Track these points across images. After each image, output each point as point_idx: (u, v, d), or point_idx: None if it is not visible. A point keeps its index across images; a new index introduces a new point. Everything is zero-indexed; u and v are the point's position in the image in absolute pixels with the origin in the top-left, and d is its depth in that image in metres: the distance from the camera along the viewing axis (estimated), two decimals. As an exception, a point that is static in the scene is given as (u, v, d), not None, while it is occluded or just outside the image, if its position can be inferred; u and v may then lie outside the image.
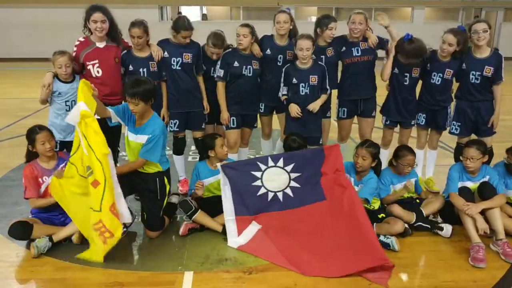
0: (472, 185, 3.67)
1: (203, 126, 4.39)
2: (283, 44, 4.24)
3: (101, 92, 3.87)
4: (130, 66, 4.03)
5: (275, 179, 3.59)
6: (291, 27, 4.20)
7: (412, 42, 4.04)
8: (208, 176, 3.79)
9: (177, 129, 4.29)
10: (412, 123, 4.45)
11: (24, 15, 16.98)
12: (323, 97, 4.12)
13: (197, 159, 4.54)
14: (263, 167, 3.59)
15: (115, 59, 3.97)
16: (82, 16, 3.88)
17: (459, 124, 4.21)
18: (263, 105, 4.42)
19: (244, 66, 4.14)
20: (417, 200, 3.87)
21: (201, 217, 3.58)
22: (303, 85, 4.03)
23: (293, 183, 3.59)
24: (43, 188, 3.48)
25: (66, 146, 3.83)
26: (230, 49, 4.24)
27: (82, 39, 3.96)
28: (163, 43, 4.17)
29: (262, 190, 3.59)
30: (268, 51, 4.23)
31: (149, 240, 3.52)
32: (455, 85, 4.28)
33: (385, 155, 4.40)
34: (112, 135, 4.09)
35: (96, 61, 3.88)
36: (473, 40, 3.98)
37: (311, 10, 19.16)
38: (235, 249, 3.37)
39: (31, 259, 3.20)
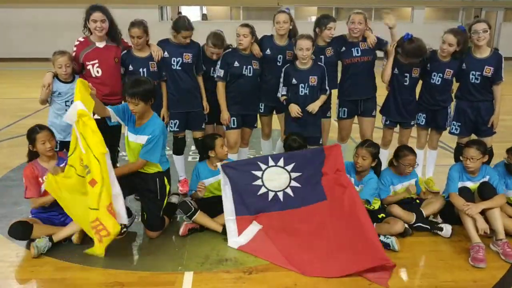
0: (472, 185, 3.67)
1: (203, 126, 4.39)
2: (282, 44, 4.24)
3: (101, 92, 3.87)
4: (130, 66, 4.03)
5: (276, 179, 3.59)
6: (290, 27, 4.20)
7: (412, 41, 4.04)
8: (208, 176, 3.79)
9: (177, 129, 4.29)
10: (412, 123, 4.45)
11: (24, 15, 16.98)
12: (323, 98, 4.12)
13: (197, 159, 4.55)
14: (263, 166, 3.59)
15: (115, 59, 3.97)
16: (82, 16, 3.89)
17: (459, 124, 4.21)
18: (263, 105, 4.42)
19: (244, 66, 4.14)
20: (417, 201, 3.87)
21: (201, 217, 3.58)
22: (303, 86, 4.03)
23: (293, 183, 3.59)
24: (43, 188, 3.48)
25: (66, 146, 3.81)
26: (230, 49, 4.25)
27: (81, 39, 3.96)
28: (163, 43, 4.17)
29: (263, 190, 3.59)
30: (268, 51, 4.23)
31: (149, 240, 3.52)
32: (455, 85, 4.28)
33: (385, 155, 4.40)
34: (112, 135, 4.10)
35: (96, 61, 3.89)
36: (473, 40, 3.98)
37: (311, 10, 19.17)
38: (235, 249, 3.37)
39: (31, 259, 3.20)
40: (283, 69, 4.11)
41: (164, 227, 3.62)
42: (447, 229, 3.56)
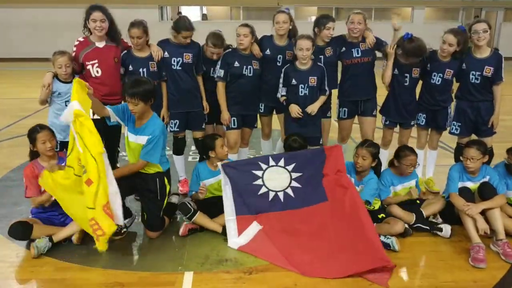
0: (472, 185, 3.67)
1: (203, 126, 4.39)
2: (282, 44, 4.24)
3: (101, 92, 3.88)
4: (130, 66, 4.03)
5: (276, 178, 3.59)
6: (290, 27, 4.20)
7: (412, 41, 4.04)
8: (208, 177, 3.79)
9: (177, 129, 4.29)
10: (412, 123, 4.44)
11: (24, 15, 16.99)
12: (322, 99, 4.11)
13: (197, 159, 4.55)
14: (264, 166, 3.60)
15: (115, 59, 3.97)
16: (82, 16, 3.90)
17: (459, 124, 4.21)
18: (263, 105, 4.42)
19: (245, 66, 4.14)
20: (417, 201, 3.86)
21: (200, 218, 3.58)
22: (303, 86, 4.02)
23: (294, 183, 3.60)
24: (43, 187, 3.48)
25: (66, 146, 3.79)
26: (230, 49, 4.24)
27: (81, 39, 3.96)
28: (163, 43, 4.17)
29: (263, 189, 3.59)
30: (268, 51, 4.23)
31: (149, 241, 3.52)
32: (455, 85, 4.28)
33: (385, 155, 4.40)
34: (112, 135, 4.10)
35: (96, 61, 3.89)
36: (473, 40, 3.98)
37: (311, 10, 19.17)
38: (235, 250, 3.37)
39: (31, 260, 3.20)
40: (282, 70, 4.10)
41: (164, 227, 3.62)
42: (446, 229, 3.56)
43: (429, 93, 4.26)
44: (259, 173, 3.59)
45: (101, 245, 3.08)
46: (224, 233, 3.50)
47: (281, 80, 4.11)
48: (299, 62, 4.04)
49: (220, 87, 4.19)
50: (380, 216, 3.64)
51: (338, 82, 4.44)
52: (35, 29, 16.92)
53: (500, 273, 3.09)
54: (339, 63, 4.42)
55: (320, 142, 4.26)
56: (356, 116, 4.53)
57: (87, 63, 3.89)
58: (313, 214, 3.49)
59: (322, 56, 4.24)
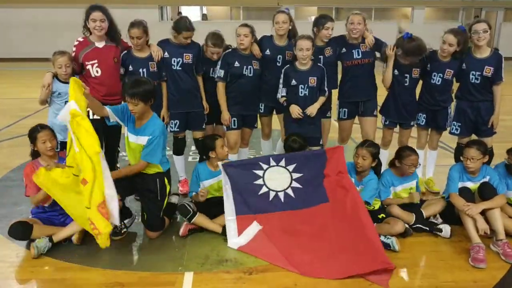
0: (472, 185, 3.67)
1: (203, 126, 4.38)
2: (282, 45, 4.24)
3: (100, 92, 3.89)
4: (130, 67, 4.03)
5: (277, 178, 3.60)
6: (290, 28, 4.19)
7: (412, 40, 4.04)
8: (208, 177, 3.79)
9: (178, 130, 4.29)
10: (412, 123, 4.44)
11: (24, 15, 16.99)
12: (321, 100, 4.10)
13: (197, 160, 4.55)
14: (265, 166, 3.61)
15: (114, 59, 3.97)
16: (82, 16, 3.90)
17: (459, 124, 4.21)
18: (262, 105, 4.42)
19: (245, 66, 4.14)
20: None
21: (200, 219, 3.57)
22: (302, 87, 4.02)
23: (294, 184, 3.60)
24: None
25: (66, 146, 3.83)
26: (230, 49, 4.24)
27: (81, 39, 3.96)
28: (163, 44, 4.17)
29: (264, 189, 3.59)
30: (268, 52, 4.22)
31: (149, 241, 3.52)
32: (455, 85, 4.28)
33: (385, 156, 4.40)
34: (112, 135, 4.11)
35: (95, 61, 3.89)
36: (473, 40, 3.98)
37: (311, 10, 19.16)
38: (235, 250, 3.36)
39: (31, 260, 3.20)
40: (282, 70, 4.10)
41: (164, 228, 3.62)
42: (446, 230, 3.56)
43: (429, 93, 4.26)
44: (259, 172, 3.59)
45: (101, 242, 3.07)
46: (224, 233, 3.50)
47: (281, 81, 4.10)
48: (299, 62, 4.04)
49: (220, 87, 4.19)
50: (380, 216, 3.64)
51: (338, 83, 4.44)
52: (35, 29, 16.92)
53: (500, 273, 3.09)
54: (339, 64, 4.42)
55: (320, 142, 4.26)
56: (357, 117, 4.53)
57: (86, 63, 3.89)
58: (314, 215, 3.49)
59: (321, 56, 4.24)
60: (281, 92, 4.11)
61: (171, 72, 4.14)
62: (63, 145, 3.86)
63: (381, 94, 4.47)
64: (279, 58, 4.23)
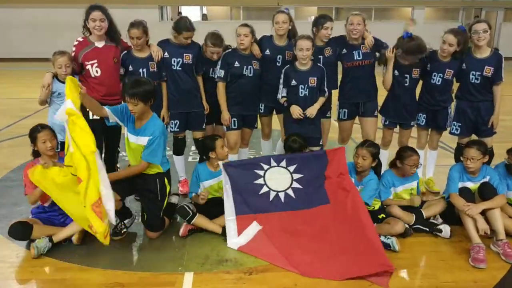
0: (472, 185, 3.67)
1: (203, 127, 4.38)
2: (282, 45, 4.24)
3: (100, 92, 3.89)
4: (130, 67, 4.03)
5: (278, 178, 3.60)
6: (290, 28, 4.19)
7: (412, 39, 4.04)
8: (208, 178, 3.78)
9: (178, 130, 4.29)
10: (412, 123, 4.44)
11: (24, 15, 17.00)
12: (321, 100, 4.09)
13: (197, 160, 4.55)
14: (265, 166, 3.61)
15: (114, 59, 3.97)
16: (82, 16, 3.89)
17: (460, 124, 4.21)
18: (262, 105, 4.41)
19: (245, 66, 4.13)
20: (418, 201, 3.86)
21: (199, 220, 3.57)
22: (303, 87, 4.02)
23: (295, 184, 3.60)
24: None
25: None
26: (230, 50, 4.24)
27: (80, 39, 3.96)
28: (164, 44, 4.17)
29: (264, 189, 3.59)
30: (267, 52, 4.22)
31: (149, 241, 3.52)
32: (455, 86, 4.28)
33: (385, 156, 4.40)
34: (112, 135, 4.11)
35: (95, 61, 3.88)
36: (473, 40, 3.98)
37: (311, 10, 19.17)
38: (235, 250, 3.36)
39: (31, 260, 3.20)
40: (282, 71, 4.09)
41: (164, 228, 3.62)
42: (446, 230, 3.56)
43: (429, 93, 4.26)
44: (260, 172, 3.60)
45: (101, 240, 3.08)
46: (224, 234, 3.50)
47: (281, 81, 4.10)
48: (299, 62, 4.04)
49: (221, 88, 4.18)
50: (380, 216, 3.64)
51: (339, 83, 4.43)
52: (35, 29, 16.93)
53: (500, 273, 3.09)
54: (339, 64, 4.41)
55: (320, 143, 4.25)
56: (357, 117, 4.52)
57: (86, 63, 3.89)
58: (314, 216, 3.49)
59: (321, 56, 4.23)
60: (282, 93, 4.10)
61: (171, 72, 4.14)
62: (63, 145, 3.87)
63: (382, 95, 4.46)
64: (279, 58, 4.23)
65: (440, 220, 3.73)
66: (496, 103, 4.06)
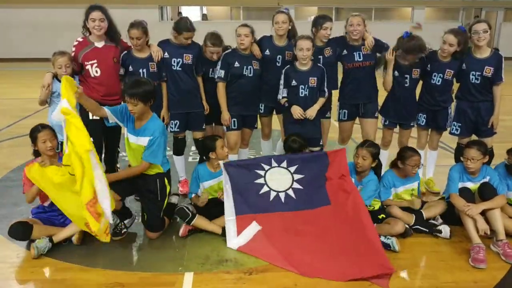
0: (472, 185, 3.67)
1: (203, 127, 4.38)
2: (282, 45, 4.24)
3: (100, 92, 3.89)
4: (130, 67, 4.04)
5: (278, 178, 3.61)
6: (290, 28, 4.19)
7: (412, 38, 4.04)
8: (208, 179, 3.78)
9: (178, 130, 4.29)
10: (412, 124, 4.44)
11: (24, 15, 17.01)
12: (321, 101, 4.09)
13: (197, 160, 4.54)
14: (266, 167, 3.61)
15: (114, 59, 3.97)
16: (82, 16, 3.90)
17: (460, 124, 4.21)
18: (262, 105, 4.41)
19: (245, 67, 4.13)
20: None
21: (199, 222, 3.56)
22: (303, 87, 4.01)
23: (296, 185, 3.60)
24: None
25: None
26: (230, 50, 4.24)
27: (80, 39, 3.97)
28: (164, 44, 4.17)
29: (265, 189, 3.59)
30: (267, 52, 4.22)
31: (149, 241, 3.52)
32: (455, 86, 4.28)
33: (385, 156, 4.40)
34: (112, 135, 4.11)
35: (95, 61, 3.89)
36: (473, 41, 3.98)
37: (311, 10, 19.17)
38: (235, 250, 3.36)
39: (31, 260, 3.20)
40: (283, 71, 4.09)
41: (164, 228, 3.61)
42: (445, 230, 3.56)
43: (429, 93, 4.26)
44: (261, 172, 3.60)
45: (102, 237, 3.08)
46: (224, 234, 3.50)
47: (281, 82, 4.09)
48: (299, 62, 4.04)
49: (221, 88, 4.18)
50: (380, 216, 3.64)
51: (339, 84, 4.43)
52: (35, 29, 16.94)
53: (500, 273, 3.09)
54: (339, 65, 4.41)
55: (320, 143, 4.25)
56: (357, 117, 4.52)
57: (86, 63, 3.89)
58: (315, 217, 3.50)
59: (321, 57, 4.23)
60: (282, 93, 4.10)
61: (171, 72, 4.14)
62: (62, 145, 3.87)
63: (382, 95, 4.46)
64: (279, 58, 4.23)
65: (440, 221, 3.73)
66: (496, 103, 4.06)
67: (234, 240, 3.43)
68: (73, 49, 3.93)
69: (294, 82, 4.02)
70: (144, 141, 3.39)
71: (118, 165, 4.45)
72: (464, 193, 3.56)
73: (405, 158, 3.74)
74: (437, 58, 4.14)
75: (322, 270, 3.06)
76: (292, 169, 3.61)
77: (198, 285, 2.94)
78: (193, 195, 3.77)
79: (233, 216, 3.52)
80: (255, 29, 4.19)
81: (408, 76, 4.18)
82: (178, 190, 4.43)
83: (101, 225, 3.04)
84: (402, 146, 4.20)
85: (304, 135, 3.94)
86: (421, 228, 3.60)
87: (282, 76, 4.08)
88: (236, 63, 4.12)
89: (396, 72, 4.19)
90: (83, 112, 3.76)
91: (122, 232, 3.54)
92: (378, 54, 4.30)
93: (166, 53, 4.10)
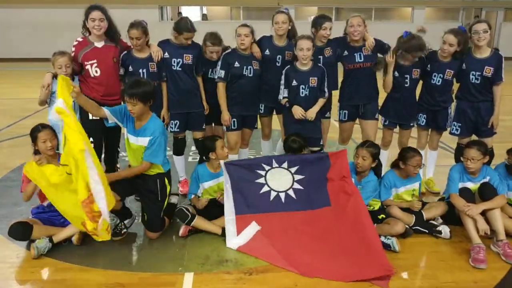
0: (472, 185, 3.67)
1: (203, 127, 4.38)
2: (281, 45, 4.24)
3: (99, 92, 3.89)
4: (130, 67, 4.04)
5: (279, 178, 3.61)
6: (289, 28, 4.19)
7: (412, 37, 4.04)
8: (207, 179, 3.78)
9: (178, 130, 4.29)
10: (412, 124, 4.44)
11: (24, 15, 17.01)
12: (320, 102, 4.09)
13: (197, 160, 4.54)
14: (267, 167, 3.61)
15: (113, 59, 3.97)
16: (82, 17, 3.90)
17: (460, 124, 4.21)
18: (262, 105, 4.41)
19: (245, 67, 4.13)
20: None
21: (199, 222, 3.56)
22: (303, 87, 4.01)
23: (296, 185, 3.60)
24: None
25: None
26: (230, 50, 4.24)
27: (80, 39, 3.97)
28: (164, 44, 4.17)
29: (265, 188, 3.59)
30: (267, 52, 4.22)
31: (150, 241, 3.52)
32: (455, 86, 4.28)
33: (385, 156, 4.39)
34: (112, 135, 4.11)
35: (95, 60, 3.88)
36: (474, 41, 3.98)
37: (311, 10, 19.17)
38: (236, 250, 3.36)
39: (31, 260, 3.20)
40: (283, 71, 4.09)
41: (164, 228, 3.61)
42: (445, 231, 3.55)
43: (429, 93, 4.26)
44: (262, 172, 3.60)
45: (103, 233, 3.09)
46: (223, 234, 3.50)
47: (282, 82, 4.09)
48: (300, 62, 4.03)
49: (221, 88, 4.18)
50: (380, 217, 3.64)
51: (339, 85, 4.42)
52: (35, 29, 16.94)
53: (500, 273, 3.09)
54: (340, 65, 4.40)
55: (321, 143, 4.25)
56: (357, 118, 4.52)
57: (86, 63, 3.89)
58: (315, 217, 3.50)
59: (321, 57, 4.22)
60: (283, 93, 4.09)
61: (171, 72, 4.13)
62: (64, 145, 3.87)
63: (382, 96, 4.45)
64: (279, 58, 4.23)
65: (440, 221, 3.72)
66: (496, 103, 4.05)
67: (234, 240, 3.43)
68: (73, 49, 3.93)
69: (294, 82, 4.02)
70: (144, 141, 3.39)
71: (118, 165, 4.45)
72: (464, 193, 3.56)
73: (407, 159, 3.73)
74: (437, 58, 4.14)
75: (322, 270, 3.06)
76: (293, 169, 3.62)
77: (198, 286, 2.94)
78: (192, 196, 3.77)
79: (233, 216, 3.52)
80: (255, 29, 4.19)
81: (408, 76, 4.17)
82: (178, 190, 4.43)
83: (99, 226, 3.04)
84: (402, 146, 4.20)
85: (305, 135, 3.94)
86: (421, 229, 3.60)
87: (283, 76, 4.08)
88: (236, 63, 4.12)
89: (396, 73, 4.19)
90: (83, 112, 3.76)
91: (122, 232, 3.54)
92: (379, 55, 4.29)
93: (166, 53, 4.10)
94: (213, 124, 4.54)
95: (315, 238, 3.37)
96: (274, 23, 4.17)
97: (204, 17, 19.75)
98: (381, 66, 4.24)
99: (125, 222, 3.60)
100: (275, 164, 3.61)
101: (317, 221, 3.48)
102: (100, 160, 3.65)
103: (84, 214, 2.99)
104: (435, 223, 3.69)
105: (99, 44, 3.93)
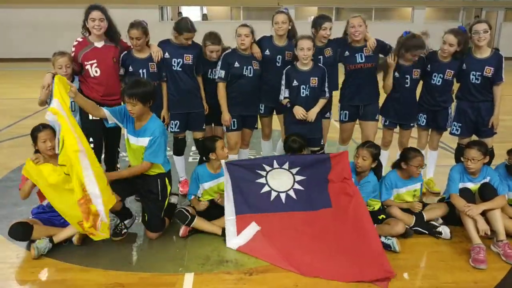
0: (473, 186, 3.67)
1: (203, 127, 4.38)
2: (281, 45, 4.24)
3: (99, 92, 3.89)
4: (130, 67, 4.04)
5: (280, 179, 3.61)
6: (289, 28, 4.19)
7: (412, 36, 4.05)
8: (207, 180, 3.78)
9: (178, 130, 4.29)
10: (412, 124, 4.44)
11: (24, 15, 17.02)
12: (321, 103, 4.08)
13: (198, 160, 4.54)
14: (268, 168, 3.60)
15: (113, 59, 3.97)
16: (82, 17, 3.90)
17: (460, 124, 4.21)
18: (263, 106, 4.41)
19: (245, 67, 4.13)
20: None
21: (199, 223, 3.56)
22: (304, 87, 4.01)
23: (297, 186, 3.60)
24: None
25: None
26: (230, 50, 4.24)
27: (80, 39, 3.96)
28: (164, 44, 4.17)
29: (266, 188, 3.59)
30: (267, 52, 4.22)
31: (150, 241, 3.52)
32: (455, 86, 4.28)
33: (385, 156, 4.39)
34: (112, 135, 4.11)
35: (95, 61, 3.88)
36: (474, 41, 3.98)
37: (311, 10, 19.18)
38: (236, 251, 3.36)
39: (31, 260, 3.20)
40: (284, 71, 4.09)
41: (164, 228, 3.61)
42: (445, 231, 3.55)
43: (429, 93, 4.26)
44: (262, 172, 3.60)
45: (105, 231, 3.09)
46: (223, 235, 3.50)
47: (283, 82, 4.08)
48: (300, 62, 4.03)
49: (221, 88, 4.18)
50: (380, 217, 3.64)
51: (340, 86, 4.42)
52: (35, 29, 16.95)
53: (500, 274, 3.09)
54: (340, 66, 4.40)
55: (321, 143, 4.25)
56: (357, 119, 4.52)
57: (86, 63, 3.89)
58: (315, 218, 3.50)
59: (321, 57, 4.22)
60: (284, 94, 4.09)
61: (171, 72, 4.13)
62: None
63: (382, 96, 4.45)
64: (279, 58, 4.22)
65: (440, 221, 3.72)
66: (496, 103, 4.05)
67: (234, 240, 3.43)
68: (73, 49, 3.93)
69: (295, 82, 4.01)
70: (144, 141, 3.39)
71: (118, 165, 4.45)
72: (465, 193, 3.56)
73: (409, 159, 3.72)
74: (437, 59, 4.14)
75: (322, 270, 3.06)
76: (294, 170, 3.61)
77: (199, 286, 2.94)
78: (192, 197, 3.77)
79: (233, 216, 3.52)
80: (255, 29, 4.19)
81: (408, 76, 4.17)
82: (178, 190, 4.43)
83: (98, 226, 3.05)
84: (402, 146, 4.20)
85: (305, 135, 3.93)
86: (420, 229, 3.60)
87: (283, 77, 4.07)
88: (236, 63, 4.12)
89: (396, 73, 4.19)
90: (83, 112, 3.76)
91: (122, 232, 3.54)
92: (380, 55, 4.29)
93: (166, 53, 4.10)
94: (212, 125, 4.54)
95: (315, 238, 3.37)
96: (274, 23, 4.16)
97: (204, 17, 19.76)
98: (381, 69, 4.24)
99: (125, 222, 3.60)
100: (276, 165, 3.61)
101: (318, 222, 3.48)
102: (100, 160, 3.67)
103: (80, 213, 2.99)
104: (435, 223, 3.69)
105: (99, 44, 3.93)
